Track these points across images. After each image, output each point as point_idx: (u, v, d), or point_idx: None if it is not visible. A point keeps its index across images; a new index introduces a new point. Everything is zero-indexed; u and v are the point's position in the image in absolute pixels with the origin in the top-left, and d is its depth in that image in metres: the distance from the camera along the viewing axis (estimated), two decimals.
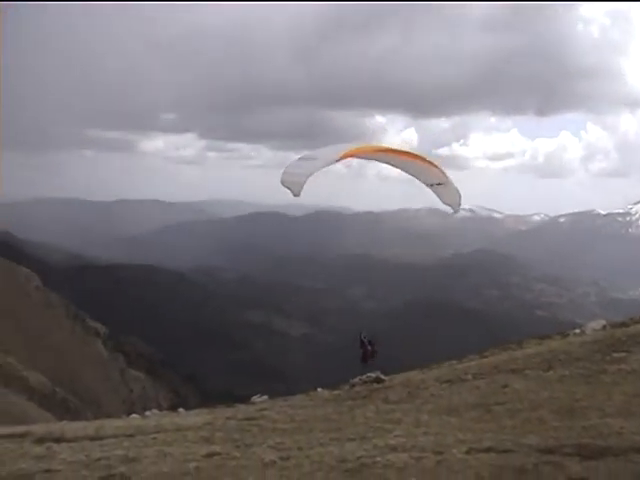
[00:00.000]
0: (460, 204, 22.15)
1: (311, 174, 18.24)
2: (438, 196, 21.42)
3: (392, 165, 21.28)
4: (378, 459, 11.89)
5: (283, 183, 18.39)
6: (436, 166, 20.80)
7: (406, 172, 21.23)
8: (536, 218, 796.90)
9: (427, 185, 21.19)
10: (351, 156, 19.50)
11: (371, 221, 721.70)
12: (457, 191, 21.61)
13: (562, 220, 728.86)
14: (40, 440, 17.27)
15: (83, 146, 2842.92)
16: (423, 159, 20.77)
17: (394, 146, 20.92)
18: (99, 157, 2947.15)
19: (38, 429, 20.07)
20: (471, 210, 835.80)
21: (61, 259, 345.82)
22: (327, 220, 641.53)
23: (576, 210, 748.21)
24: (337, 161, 18.88)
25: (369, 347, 27.12)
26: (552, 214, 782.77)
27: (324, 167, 18.60)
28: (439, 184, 21.02)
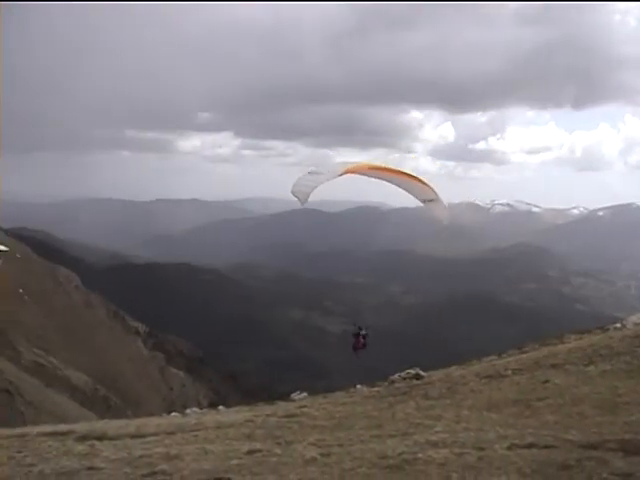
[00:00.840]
0: (447, 217, 24.07)
1: (316, 187, 20.71)
2: (428, 211, 23.26)
3: (389, 182, 22.86)
4: (419, 455, 11.89)
5: (293, 193, 20.81)
6: (427, 184, 22.54)
7: (402, 189, 22.90)
8: (575, 212, 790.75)
9: (420, 201, 22.93)
10: (352, 172, 21.35)
11: (408, 216, 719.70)
12: (445, 207, 23.59)
13: (601, 214, 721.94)
14: (83, 438, 17.44)
15: (121, 147, 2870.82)
16: (416, 178, 22.58)
17: (391, 165, 22.98)
18: (137, 157, 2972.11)
19: (80, 427, 20.27)
20: (509, 205, 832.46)
21: (100, 259, 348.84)
22: (364, 216, 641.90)
23: (615, 203, 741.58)
24: (339, 176, 20.94)
25: (362, 339, 29.93)
26: (591, 207, 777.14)
27: (327, 181, 20.93)
28: (430, 200, 22.78)
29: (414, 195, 22.89)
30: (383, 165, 22.75)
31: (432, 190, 22.49)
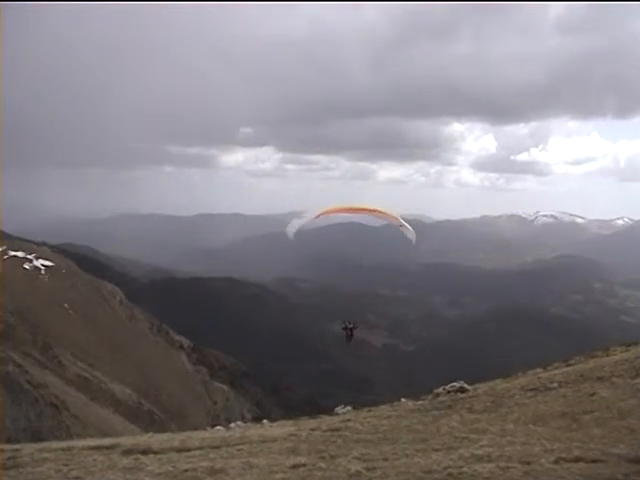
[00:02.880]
0: (414, 238, 29.75)
1: (298, 227, 27.48)
2: (403, 233, 29.39)
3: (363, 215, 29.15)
4: (465, 469, 11.83)
5: (287, 234, 27.30)
6: (394, 216, 28.94)
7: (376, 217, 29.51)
8: (620, 222, 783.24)
9: (396, 225, 28.99)
10: (326, 214, 27.21)
11: (451, 228, 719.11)
12: (411, 230, 29.35)
13: None
14: (128, 452, 17.56)
15: (164, 162, 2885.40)
16: (385, 212, 28.56)
17: (364, 205, 29.39)
18: (180, 172, 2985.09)
19: (125, 441, 20.41)
20: (553, 216, 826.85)
21: (144, 273, 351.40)
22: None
23: None
24: (316, 217, 26.95)
25: (350, 332, 34.80)
26: (636, 218, 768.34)
27: (305, 222, 27.42)
28: (401, 226, 28.79)
29: (390, 221, 29.11)
30: (358, 206, 29.28)
31: (398, 219, 28.65)
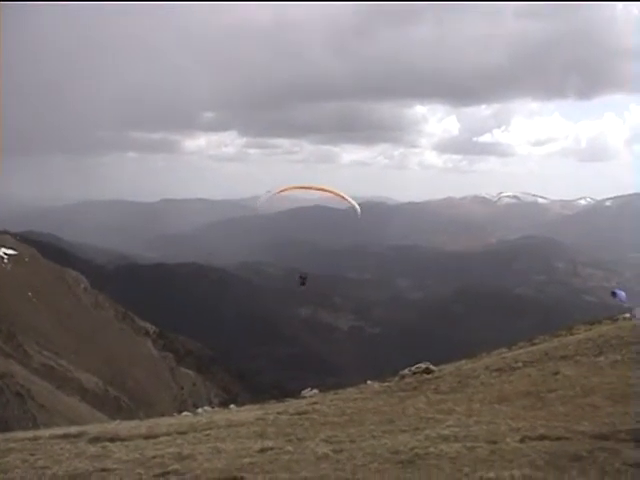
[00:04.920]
0: (358, 211, 33.77)
1: (263, 202, 35.23)
2: (351, 208, 33.63)
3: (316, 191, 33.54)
4: (431, 449, 11.89)
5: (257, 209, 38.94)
6: (339, 193, 32.91)
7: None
8: (582, 202, 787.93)
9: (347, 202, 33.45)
10: (285, 190, 31.93)
11: (415, 211, 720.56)
12: (356, 205, 33.69)
13: (608, 204, 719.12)
14: (95, 439, 17.49)
15: (128, 148, 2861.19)
16: (331, 190, 32.88)
17: (315, 184, 33.54)
18: (143, 158, 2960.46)
19: (92, 429, 20.32)
20: (516, 197, 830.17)
21: (108, 260, 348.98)
22: (371, 212, 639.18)
23: (622, 193, 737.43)
24: (279, 193, 32.05)
25: (303, 281, 39.75)
26: (598, 198, 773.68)
27: (268, 198, 33.53)
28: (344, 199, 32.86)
29: (341, 198, 33.01)
30: (309, 185, 33.14)
31: (343, 195, 32.62)
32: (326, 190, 32.72)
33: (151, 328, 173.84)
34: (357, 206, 33.74)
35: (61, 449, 16.31)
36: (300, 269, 46.24)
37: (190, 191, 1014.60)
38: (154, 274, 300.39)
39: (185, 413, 29.97)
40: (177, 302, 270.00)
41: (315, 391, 29.11)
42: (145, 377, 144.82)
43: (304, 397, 27.91)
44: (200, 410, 29.67)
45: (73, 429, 20.79)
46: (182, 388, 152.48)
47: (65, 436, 18.65)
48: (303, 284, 39.76)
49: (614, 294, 37.52)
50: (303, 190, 32.98)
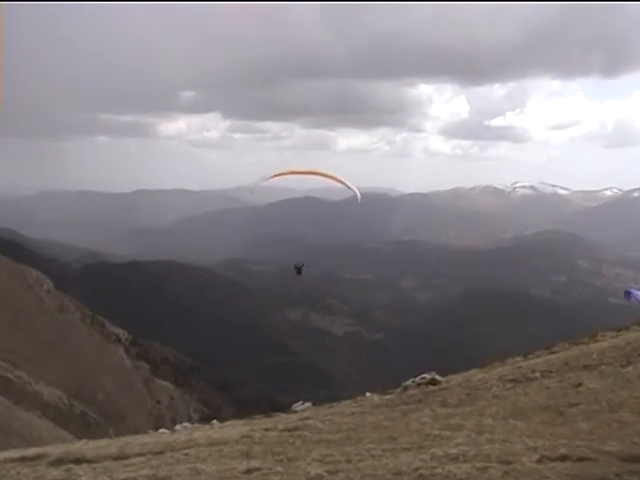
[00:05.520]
0: (359, 197, 36.54)
1: (254, 190, 37.53)
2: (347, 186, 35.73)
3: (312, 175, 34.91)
4: (438, 470, 11.85)
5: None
6: (338, 178, 34.76)
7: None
8: (607, 193, 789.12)
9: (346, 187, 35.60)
10: (279, 176, 33.34)
11: (420, 203, 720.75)
12: (357, 190, 36.39)
13: (637, 195, 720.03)
14: (57, 462, 17.39)
15: (96, 132, 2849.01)
16: (330, 175, 34.68)
17: (314, 169, 35.08)
18: (114, 143, 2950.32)
19: (54, 450, 20.23)
20: (532, 187, 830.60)
21: (76, 258, 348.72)
22: (370, 204, 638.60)
23: None
24: (272, 177, 33.33)
25: (298, 271, 43.62)
26: (625, 188, 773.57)
27: (261, 183, 35.06)
28: (342, 183, 34.84)
29: (340, 183, 34.92)
30: (305, 169, 34.22)
31: (340, 179, 34.48)
32: (324, 175, 34.19)
33: (123, 334, 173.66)
34: (357, 192, 35.60)
35: (18, 474, 16.21)
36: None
37: (168, 181, 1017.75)
38: (127, 273, 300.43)
39: (161, 430, 29.93)
40: (153, 305, 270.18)
41: (307, 404, 29.10)
42: (116, 390, 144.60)
43: (295, 411, 27.90)
44: (178, 426, 29.65)
45: (32, 451, 20.69)
46: (158, 402, 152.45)
47: (22, 459, 18.54)
48: (299, 273, 43.63)
49: (628, 294, 36.53)
50: (297, 176, 34.08)
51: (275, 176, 33.11)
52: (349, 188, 35.06)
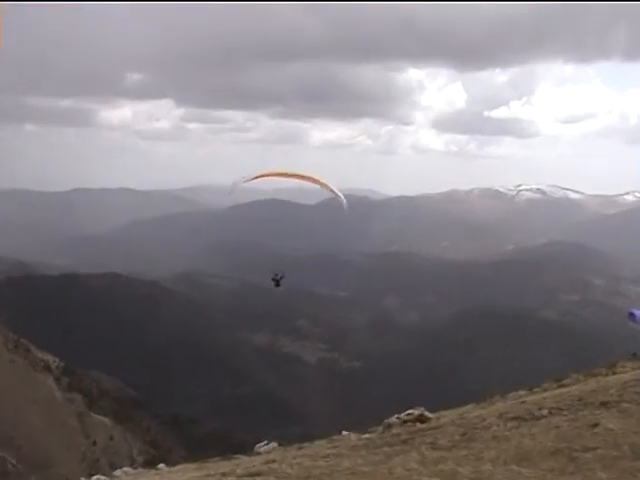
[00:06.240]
0: (344, 203, 38.82)
1: (235, 187, 37.30)
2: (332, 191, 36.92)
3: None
4: None
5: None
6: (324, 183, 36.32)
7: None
8: (628, 198, 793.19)
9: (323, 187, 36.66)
10: (262, 177, 35.02)
11: (407, 207, 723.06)
12: (343, 198, 38.13)
13: None
14: None
15: (23, 118, 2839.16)
16: (313, 178, 35.96)
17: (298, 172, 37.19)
18: (46, 132, 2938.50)
19: None
20: (540, 190, 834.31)
21: None
22: (349, 208, 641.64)
23: None
24: (253, 179, 35.05)
25: (277, 283, 43.85)
26: None
27: (241, 184, 35.95)
28: (326, 186, 36.24)
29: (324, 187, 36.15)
30: (291, 172, 36.77)
31: (325, 183, 35.94)
32: (314, 181, 35.29)
33: (53, 361, 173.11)
34: (343, 198, 37.47)
35: None
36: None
37: (111, 178, 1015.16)
38: (60, 288, 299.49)
39: (97, 477, 29.77)
40: (90, 327, 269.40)
41: (273, 445, 29.06)
42: (43, 427, 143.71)
43: (258, 453, 27.87)
44: (118, 472, 29.54)
45: None
46: (94, 442, 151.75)
47: None
48: (277, 285, 43.67)
49: (633, 316, 35.96)
50: (275, 178, 35.93)
51: (258, 177, 34.46)
52: (337, 196, 36.56)
